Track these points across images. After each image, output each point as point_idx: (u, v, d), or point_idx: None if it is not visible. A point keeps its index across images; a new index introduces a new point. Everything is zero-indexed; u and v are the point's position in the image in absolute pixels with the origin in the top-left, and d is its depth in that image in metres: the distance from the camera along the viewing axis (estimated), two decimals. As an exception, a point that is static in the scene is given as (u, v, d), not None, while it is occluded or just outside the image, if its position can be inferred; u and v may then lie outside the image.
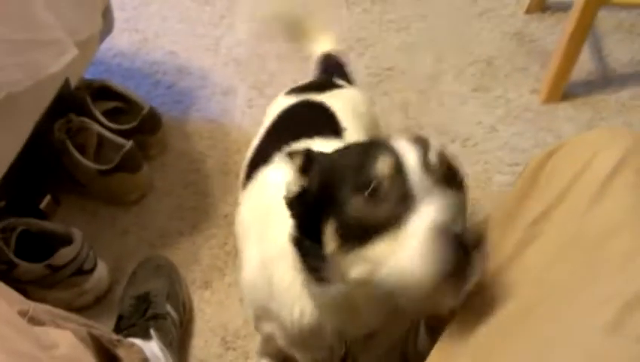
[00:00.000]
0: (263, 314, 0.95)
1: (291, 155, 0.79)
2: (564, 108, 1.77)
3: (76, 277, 1.31)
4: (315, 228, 0.75)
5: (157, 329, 1.19)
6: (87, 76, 1.71)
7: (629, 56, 1.92)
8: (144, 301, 1.26)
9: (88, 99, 1.59)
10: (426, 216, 0.63)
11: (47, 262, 1.27)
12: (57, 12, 1.18)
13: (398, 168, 0.68)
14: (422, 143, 0.72)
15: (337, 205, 0.71)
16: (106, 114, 1.62)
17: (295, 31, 1.45)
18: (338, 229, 0.72)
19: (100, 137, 1.54)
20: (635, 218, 0.61)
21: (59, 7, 1.20)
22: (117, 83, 1.69)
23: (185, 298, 1.34)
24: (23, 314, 0.76)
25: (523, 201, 0.75)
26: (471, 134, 1.70)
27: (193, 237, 1.50)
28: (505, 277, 0.68)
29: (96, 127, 1.54)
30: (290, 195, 0.79)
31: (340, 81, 1.31)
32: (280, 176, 0.82)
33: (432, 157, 0.70)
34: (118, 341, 1.02)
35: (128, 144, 1.50)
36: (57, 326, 0.82)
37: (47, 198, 1.51)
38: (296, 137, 1.02)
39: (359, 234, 0.69)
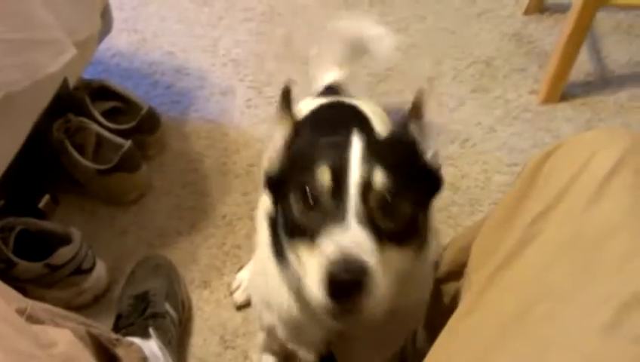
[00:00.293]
0: (264, 305, 0.96)
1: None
2: (563, 109, 1.77)
3: (75, 277, 1.31)
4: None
5: (156, 328, 1.19)
6: (86, 76, 1.71)
7: (627, 57, 1.93)
8: (143, 300, 1.26)
9: (87, 99, 1.59)
10: (331, 246, 0.65)
11: (45, 262, 1.28)
12: (56, 12, 1.18)
13: (337, 183, 0.69)
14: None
15: (286, 194, 0.74)
16: (105, 114, 1.62)
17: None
18: (284, 217, 0.75)
19: (99, 137, 1.54)
20: (633, 218, 0.61)
21: (57, 6, 1.20)
22: (116, 83, 1.69)
23: (184, 297, 1.34)
24: (21, 312, 0.76)
25: (521, 201, 0.75)
26: (470, 135, 1.71)
27: (192, 237, 1.50)
28: (503, 277, 0.68)
29: (95, 127, 1.54)
30: (268, 170, 0.81)
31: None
32: None
33: (378, 179, 0.69)
34: (117, 340, 1.02)
35: (127, 144, 1.50)
36: (56, 324, 0.82)
37: (46, 198, 1.51)
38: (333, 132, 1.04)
39: (295, 229, 0.72)
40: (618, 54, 1.94)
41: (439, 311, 1.04)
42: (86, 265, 1.32)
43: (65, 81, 1.40)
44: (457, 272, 0.99)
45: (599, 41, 1.97)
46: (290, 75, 1.86)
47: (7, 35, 1.07)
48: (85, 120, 1.53)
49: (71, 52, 1.21)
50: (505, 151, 1.67)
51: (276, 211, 0.80)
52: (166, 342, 1.19)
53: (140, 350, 1.07)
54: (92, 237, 1.43)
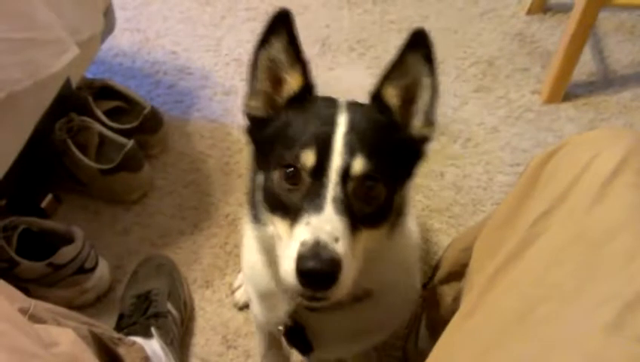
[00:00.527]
0: (245, 278, 1.01)
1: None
2: (566, 109, 1.77)
3: (77, 276, 1.31)
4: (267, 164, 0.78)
5: (158, 328, 1.19)
6: (89, 75, 1.71)
7: (630, 57, 1.92)
8: (145, 299, 1.26)
9: (89, 99, 1.59)
10: (306, 232, 0.67)
11: (48, 261, 1.28)
12: (58, 11, 1.18)
13: (319, 167, 0.71)
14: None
15: (269, 162, 0.76)
16: (108, 113, 1.62)
17: None
18: (263, 184, 0.77)
19: (102, 137, 1.54)
20: (635, 218, 0.61)
21: (60, 6, 1.20)
22: (118, 82, 1.69)
23: (186, 297, 1.34)
24: (23, 311, 0.76)
25: (524, 201, 0.75)
26: (472, 135, 1.70)
27: (194, 237, 1.50)
28: (506, 277, 0.68)
29: (98, 127, 1.54)
30: (249, 115, 0.83)
31: None
32: None
33: (357, 165, 0.71)
34: (119, 339, 1.02)
35: (129, 143, 1.50)
36: (58, 324, 0.82)
37: (49, 197, 1.51)
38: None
39: (275, 204, 0.74)
40: (621, 54, 1.93)
41: (441, 311, 1.04)
42: (88, 265, 1.32)
43: (67, 81, 1.41)
44: (459, 272, 0.98)
45: (602, 41, 1.97)
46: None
47: (9, 34, 1.07)
48: (88, 119, 1.53)
49: (73, 51, 1.21)
50: (507, 151, 1.66)
51: (256, 175, 0.81)
52: (168, 341, 1.19)
53: (141, 349, 1.07)
54: (94, 237, 1.43)
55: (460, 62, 1.92)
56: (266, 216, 0.77)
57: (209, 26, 2.08)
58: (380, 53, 1.95)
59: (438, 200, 1.56)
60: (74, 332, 0.80)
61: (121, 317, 1.26)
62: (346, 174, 0.71)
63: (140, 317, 1.22)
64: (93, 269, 1.34)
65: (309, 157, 0.71)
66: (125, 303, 1.29)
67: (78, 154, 1.49)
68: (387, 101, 0.79)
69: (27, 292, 0.84)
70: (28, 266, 1.28)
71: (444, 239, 1.46)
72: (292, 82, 0.80)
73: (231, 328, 1.33)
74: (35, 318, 0.78)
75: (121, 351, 0.99)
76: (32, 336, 0.69)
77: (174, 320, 1.25)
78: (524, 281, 0.66)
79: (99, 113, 1.59)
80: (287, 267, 0.68)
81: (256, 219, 0.81)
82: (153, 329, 1.18)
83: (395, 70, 0.78)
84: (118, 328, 1.22)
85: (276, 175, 0.74)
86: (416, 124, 0.80)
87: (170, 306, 1.26)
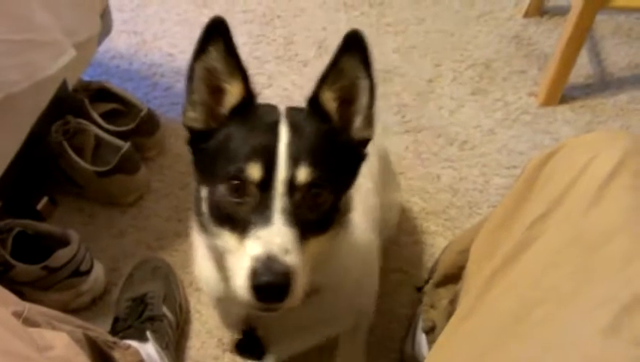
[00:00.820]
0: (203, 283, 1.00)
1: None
2: (563, 111, 1.77)
3: (73, 279, 1.31)
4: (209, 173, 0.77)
5: (153, 331, 1.19)
6: (85, 78, 1.70)
7: (627, 59, 1.93)
8: (140, 303, 1.26)
9: (86, 101, 1.58)
10: (257, 246, 0.68)
11: (43, 264, 1.27)
12: (55, 13, 1.18)
13: (265, 179, 0.71)
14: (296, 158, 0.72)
15: (213, 175, 0.75)
16: (104, 116, 1.61)
17: None
18: (208, 198, 0.76)
19: (98, 139, 1.54)
20: (632, 221, 0.61)
21: (57, 8, 1.19)
22: (115, 85, 1.68)
23: (181, 300, 1.34)
24: (17, 315, 0.76)
25: (521, 204, 0.75)
26: (469, 137, 1.70)
27: (190, 239, 1.49)
28: (503, 280, 0.68)
29: (94, 129, 1.53)
30: (188, 127, 0.79)
31: None
32: None
33: (302, 175, 0.71)
34: (114, 343, 1.02)
35: (126, 146, 1.49)
36: (53, 327, 0.82)
37: (44, 200, 1.50)
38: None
39: (222, 218, 0.74)
40: (618, 57, 1.94)
41: (438, 314, 1.04)
42: (84, 267, 1.31)
43: (64, 83, 1.40)
44: (456, 275, 0.98)
45: (599, 44, 1.97)
46: (289, 76, 1.87)
47: (6, 35, 1.07)
48: (84, 122, 1.53)
49: (70, 53, 1.21)
50: (504, 153, 1.66)
51: (200, 186, 0.80)
52: (163, 345, 1.18)
53: (137, 353, 1.06)
54: (90, 239, 1.42)
55: (456, 65, 1.92)
56: (214, 228, 0.76)
57: (206, 29, 2.08)
58: (376, 55, 1.93)
59: (434, 202, 1.56)
60: (68, 335, 0.79)
61: (116, 320, 1.25)
62: (291, 184, 0.71)
63: (135, 320, 1.22)
64: (88, 272, 1.33)
65: (254, 171, 0.71)
66: (120, 306, 1.28)
67: (74, 157, 1.49)
68: (325, 105, 0.79)
69: (22, 296, 0.84)
70: (23, 269, 1.27)
71: (441, 242, 1.46)
72: (233, 92, 0.79)
73: (226, 331, 1.32)
74: (29, 322, 0.77)
75: (116, 354, 0.99)
76: (25, 340, 0.68)
77: (170, 323, 1.24)
78: (522, 284, 0.66)
79: (95, 115, 1.59)
80: (240, 282, 0.68)
81: (204, 228, 0.80)
82: (148, 333, 1.17)
83: (331, 74, 0.78)
84: (113, 331, 1.22)
85: (222, 189, 0.73)
86: (356, 126, 0.80)
87: (165, 309, 1.25)
